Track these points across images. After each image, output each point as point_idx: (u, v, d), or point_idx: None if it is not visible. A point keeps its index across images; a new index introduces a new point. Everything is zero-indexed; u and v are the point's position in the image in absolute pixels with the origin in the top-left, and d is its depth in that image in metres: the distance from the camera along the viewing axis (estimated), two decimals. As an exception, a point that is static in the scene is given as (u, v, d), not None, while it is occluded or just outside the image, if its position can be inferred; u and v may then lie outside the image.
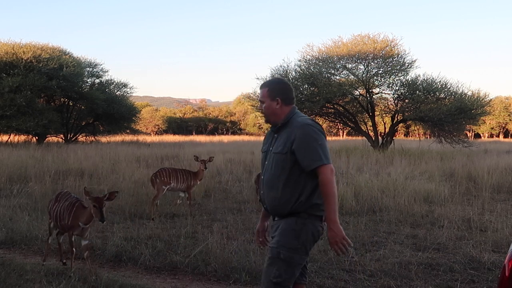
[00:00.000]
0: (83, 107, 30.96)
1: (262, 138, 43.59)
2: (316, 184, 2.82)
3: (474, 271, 4.76)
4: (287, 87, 3.05)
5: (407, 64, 22.65)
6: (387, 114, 23.79)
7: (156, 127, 65.50)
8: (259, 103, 3.09)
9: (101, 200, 4.45)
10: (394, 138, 23.47)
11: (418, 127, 27.25)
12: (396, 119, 22.96)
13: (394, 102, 23.25)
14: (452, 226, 6.54)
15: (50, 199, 5.31)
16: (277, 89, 3.01)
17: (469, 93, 21.95)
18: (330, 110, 24.10)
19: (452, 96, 21.58)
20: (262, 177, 3.02)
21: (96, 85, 31.62)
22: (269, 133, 3.12)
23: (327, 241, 5.72)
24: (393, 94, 22.99)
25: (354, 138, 38.41)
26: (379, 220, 7.18)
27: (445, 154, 18.10)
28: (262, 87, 3.07)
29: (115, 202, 8.33)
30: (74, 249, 4.74)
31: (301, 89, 22.23)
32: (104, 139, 31.17)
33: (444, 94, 21.89)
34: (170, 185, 7.94)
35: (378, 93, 23.44)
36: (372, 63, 22.56)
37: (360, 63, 22.75)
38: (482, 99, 22.23)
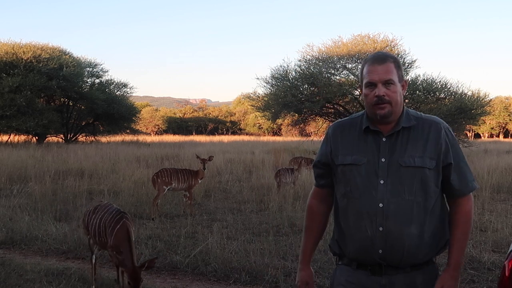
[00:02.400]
0: (83, 107, 30.97)
1: (262, 138, 43.58)
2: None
3: (474, 271, 4.76)
4: None
5: (407, 64, 22.66)
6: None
7: (156, 127, 65.49)
8: (375, 85, 1.96)
9: (137, 275, 3.63)
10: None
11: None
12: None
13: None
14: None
15: (86, 210, 4.61)
16: (401, 67, 2.04)
17: (469, 93, 21.96)
18: (330, 110, 24.09)
19: (452, 96, 21.58)
20: (380, 204, 1.93)
21: (96, 85, 31.62)
22: (354, 134, 2.06)
23: (327, 241, 5.75)
24: (393, 94, 22.99)
25: (354, 138, 38.15)
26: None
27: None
28: (381, 60, 1.98)
29: (115, 202, 8.36)
30: (120, 269, 4.17)
31: (301, 89, 22.21)
32: (104, 139, 31.17)
33: (444, 94, 21.89)
34: (171, 185, 7.96)
35: (378, 93, 23.44)
36: (372, 63, 22.53)
37: (360, 63, 22.72)
38: (482, 99, 22.23)
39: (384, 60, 1.98)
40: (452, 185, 1.99)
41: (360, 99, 23.13)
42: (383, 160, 1.96)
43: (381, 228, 1.94)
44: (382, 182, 1.95)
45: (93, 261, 4.43)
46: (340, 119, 2.24)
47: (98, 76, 32.50)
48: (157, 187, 7.96)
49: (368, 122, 2.04)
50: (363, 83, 2.01)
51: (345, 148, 2.06)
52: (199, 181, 8.36)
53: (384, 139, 1.99)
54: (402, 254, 1.94)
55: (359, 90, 23.37)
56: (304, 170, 11.35)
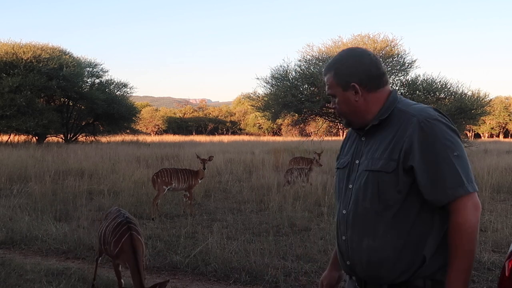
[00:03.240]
0: (83, 107, 30.98)
1: (262, 138, 43.59)
2: (446, 228, 1.68)
3: (474, 271, 4.76)
4: (368, 61, 1.81)
5: (407, 64, 22.66)
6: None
7: (156, 127, 65.50)
8: (331, 98, 1.89)
9: None
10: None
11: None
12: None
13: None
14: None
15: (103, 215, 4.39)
16: (349, 71, 1.80)
17: (469, 93, 21.96)
18: (330, 110, 24.05)
19: (452, 96, 21.59)
20: (344, 211, 1.82)
21: (96, 85, 31.63)
22: (351, 133, 1.98)
23: (327, 241, 5.77)
24: (393, 94, 23.00)
25: (354, 138, 38.16)
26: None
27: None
28: (326, 72, 1.88)
29: (115, 202, 8.37)
30: (122, 280, 3.94)
31: (301, 89, 22.22)
32: (104, 139, 31.18)
33: (444, 94, 21.89)
34: (171, 185, 7.96)
35: (378, 93, 23.45)
36: (372, 63, 22.54)
37: (360, 63, 22.73)
38: (482, 99, 22.23)
39: (325, 74, 1.88)
40: (423, 193, 1.65)
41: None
42: (356, 162, 1.81)
43: (343, 237, 1.81)
44: (350, 186, 1.80)
45: (97, 262, 4.33)
46: None
47: (98, 76, 32.52)
48: (157, 187, 7.95)
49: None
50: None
51: (345, 151, 1.97)
52: (199, 181, 8.36)
53: (363, 139, 1.83)
54: (365, 268, 1.74)
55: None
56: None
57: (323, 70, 1.90)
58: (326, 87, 1.86)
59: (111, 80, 32.86)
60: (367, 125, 1.81)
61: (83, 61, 31.50)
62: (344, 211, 1.81)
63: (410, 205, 1.68)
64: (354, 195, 1.77)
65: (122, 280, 3.92)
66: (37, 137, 28.00)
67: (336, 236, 1.88)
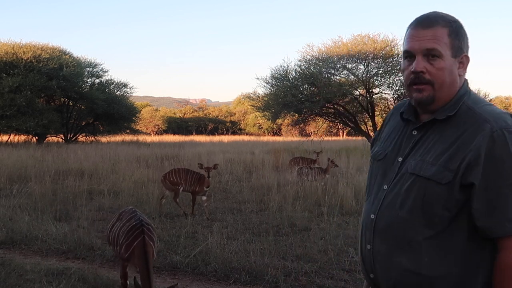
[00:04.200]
0: (83, 107, 30.97)
1: (262, 138, 43.57)
2: (491, 263, 1.41)
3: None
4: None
5: (407, 64, 22.67)
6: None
7: (156, 127, 65.47)
8: (412, 59, 1.47)
9: None
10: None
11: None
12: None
13: (394, 102, 23.26)
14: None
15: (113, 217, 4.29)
16: (465, 39, 1.49)
17: (469, 93, 21.96)
18: (330, 110, 24.09)
19: (452, 96, 21.60)
20: (372, 215, 1.55)
21: (96, 85, 31.62)
22: (393, 118, 1.68)
23: (327, 241, 5.76)
24: (393, 94, 22.99)
25: (354, 138, 38.43)
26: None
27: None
28: (428, 22, 1.46)
29: (115, 202, 8.37)
30: (128, 282, 3.84)
31: (301, 89, 22.22)
32: (104, 139, 31.18)
33: (444, 94, 21.91)
34: (179, 186, 7.94)
35: (378, 93, 23.46)
36: (372, 63, 22.56)
37: (360, 63, 22.74)
38: (482, 99, 22.25)
39: (432, 23, 1.43)
40: (474, 217, 1.37)
41: (360, 99, 23.19)
42: (399, 159, 1.52)
43: (368, 246, 1.55)
44: (385, 187, 1.52)
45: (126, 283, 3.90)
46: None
47: (98, 76, 32.51)
48: (165, 187, 8.06)
49: (408, 107, 1.59)
50: (402, 52, 1.56)
51: (381, 136, 1.70)
52: (205, 189, 7.88)
53: (414, 132, 1.52)
54: (391, 287, 1.48)
55: (359, 90, 23.74)
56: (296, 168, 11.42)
57: (416, 19, 1.50)
58: (425, 38, 1.42)
59: (111, 80, 32.88)
60: (433, 111, 1.47)
61: (83, 61, 31.49)
62: (372, 216, 1.53)
63: (458, 228, 1.40)
64: (390, 199, 1.49)
65: (128, 281, 3.85)
66: (37, 137, 27.98)
67: (360, 242, 1.62)
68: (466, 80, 1.53)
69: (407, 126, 1.57)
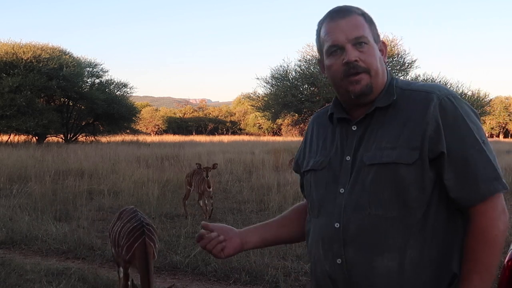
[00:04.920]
0: (83, 107, 31.00)
1: (262, 138, 43.53)
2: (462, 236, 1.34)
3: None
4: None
5: (407, 64, 22.71)
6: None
7: (156, 127, 65.53)
8: (340, 52, 1.37)
9: None
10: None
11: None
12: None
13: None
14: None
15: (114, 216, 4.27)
16: (374, 23, 1.46)
17: (469, 93, 22.04)
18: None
19: (452, 96, 21.62)
20: (336, 224, 1.36)
21: (96, 85, 31.66)
22: (319, 126, 1.56)
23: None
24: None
25: (354, 138, 38.23)
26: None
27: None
28: (345, 12, 1.40)
29: (115, 202, 8.37)
30: (129, 283, 3.71)
31: (301, 89, 22.26)
32: (104, 139, 31.19)
33: (444, 94, 21.93)
34: (191, 186, 7.94)
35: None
36: (372, 63, 22.59)
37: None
38: (482, 99, 22.33)
39: (349, 12, 1.39)
40: (448, 188, 1.30)
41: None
42: (347, 158, 1.38)
43: (339, 260, 1.34)
44: (342, 191, 1.36)
45: (120, 276, 3.99)
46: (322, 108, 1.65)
47: (98, 76, 32.56)
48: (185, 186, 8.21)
49: (335, 107, 1.47)
50: (324, 51, 1.41)
51: (312, 148, 1.53)
52: (209, 191, 7.62)
53: (354, 128, 1.40)
54: None
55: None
56: None
57: (329, 13, 1.43)
58: (349, 28, 1.36)
59: (111, 80, 32.94)
60: (370, 101, 1.39)
61: (83, 61, 31.54)
62: (337, 224, 1.34)
63: (437, 207, 1.31)
64: (355, 200, 1.33)
65: (129, 282, 3.78)
66: (37, 137, 28.00)
67: (319, 260, 1.40)
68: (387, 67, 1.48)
69: (340, 127, 1.45)
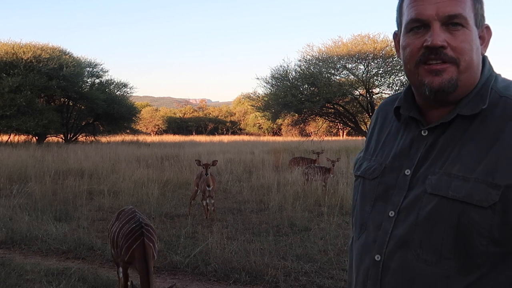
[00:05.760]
0: (83, 107, 30.98)
1: (262, 138, 43.56)
2: None
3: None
4: None
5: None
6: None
7: (156, 127, 65.49)
8: (424, 30, 1.03)
9: None
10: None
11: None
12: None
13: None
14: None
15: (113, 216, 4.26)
16: (483, 7, 1.10)
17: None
18: (330, 110, 24.11)
19: (452, 96, 21.60)
20: (377, 256, 1.09)
21: (96, 85, 31.63)
22: (388, 122, 1.22)
23: (327, 241, 5.77)
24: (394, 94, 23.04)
25: (354, 138, 38.44)
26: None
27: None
28: None
29: (115, 202, 8.37)
30: (128, 283, 3.73)
31: (301, 89, 22.24)
32: (104, 139, 31.18)
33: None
34: (197, 187, 7.88)
35: (378, 93, 23.47)
36: (372, 63, 22.58)
37: (360, 63, 22.77)
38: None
39: None
40: None
41: (360, 99, 23.20)
42: (406, 172, 1.07)
43: None
44: (391, 214, 1.06)
45: (120, 275, 3.99)
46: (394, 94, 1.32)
47: (98, 76, 32.52)
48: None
49: (405, 100, 1.14)
50: (403, 24, 1.08)
51: (370, 147, 1.24)
52: (208, 189, 7.45)
53: (424, 133, 1.08)
54: None
55: (359, 90, 23.85)
56: (298, 169, 11.42)
57: None
58: (444, 1, 1.01)
59: (111, 80, 32.90)
60: (451, 103, 1.05)
61: (83, 61, 31.51)
62: (377, 257, 1.07)
63: (508, 266, 0.97)
64: (403, 232, 1.03)
65: (129, 283, 3.79)
66: (37, 137, 27.99)
67: None
68: (487, 59, 1.11)
69: (408, 127, 1.12)
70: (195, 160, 8.27)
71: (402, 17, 1.08)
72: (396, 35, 1.16)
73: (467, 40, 1.02)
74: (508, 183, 0.93)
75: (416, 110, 1.11)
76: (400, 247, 1.03)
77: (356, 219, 1.18)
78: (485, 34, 1.09)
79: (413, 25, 1.04)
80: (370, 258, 1.09)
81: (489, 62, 1.10)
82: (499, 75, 1.10)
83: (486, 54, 1.10)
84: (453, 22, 1.01)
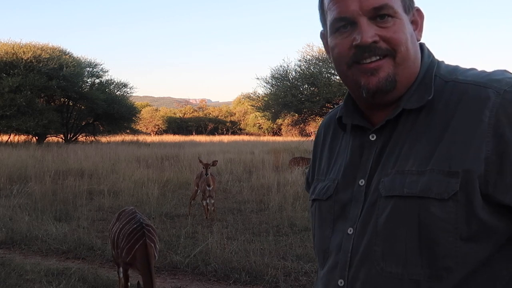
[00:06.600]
0: (83, 107, 30.98)
1: (262, 138, 43.56)
2: None
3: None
4: None
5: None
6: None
7: (156, 127, 65.49)
8: (351, 28, 0.94)
9: None
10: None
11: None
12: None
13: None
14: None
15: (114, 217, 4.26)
16: None
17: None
18: (330, 110, 24.13)
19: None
20: (340, 281, 0.95)
21: (96, 85, 31.64)
22: (334, 137, 1.12)
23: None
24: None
25: (354, 138, 38.31)
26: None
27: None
28: None
29: (115, 202, 8.37)
30: (129, 283, 3.83)
31: (301, 89, 22.26)
32: (104, 139, 31.19)
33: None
34: (198, 187, 7.86)
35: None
36: (372, 63, 22.61)
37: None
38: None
39: None
40: None
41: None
42: (361, 183, 0.97)
43: None
44: (350, 231, 0.95)
45: (120, 275, 3.98)
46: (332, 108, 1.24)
47: (98, 76, 32.52)
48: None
49: (346, 108, 1.05)
50: (328, 25, 0.98)
51: (321, 167, 1.12)
52: (208, 188, 7.40)
53: (372, 137, 0.98)
54: None
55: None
56: (298, 169, 11.40)
57: None
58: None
59: (111, 80, 32.91)
60: (393, 101, 0.96)
61: (83, 61, 31.52)
62: (340, 282, 0.95)
63: (497, 268, 0.86)
64: (363, 248, 0.92)
65: (129, 283, 3.84)
66: (37, 137, 27.99)
67: None
68: (425, 45, 1.02)
69: (353, 136, 1.02)
70: (198, 158, 8.29)
71: (326, 16, 0.99)
72: (323, 35, 1.05)
73: (400, 29, 0.93)
74: (465, 167, 0.83)
75: (360, 115, 1.02)
76: (363, 265, 0.91)
77: (317, 248, 1.05)
78: (417, 17, 1.00)
79: (338, 25, 0.95)
80: (334, 285, 0.96)
81: (427, 49, 1.02)
82: (442, 61, 1.01)
83: (422, 40, 1.01)
84: (380, 15, 0.92)
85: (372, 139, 0.98)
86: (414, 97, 0.94)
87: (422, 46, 1.01)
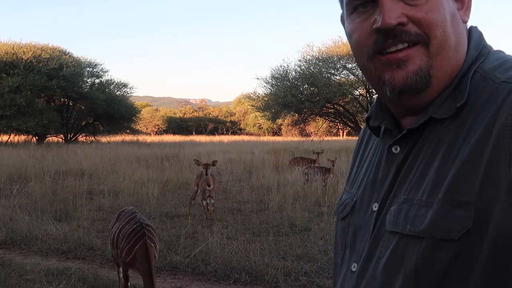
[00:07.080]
0: (83, 107, 31.01)
1: (262, 138, 43.58)
2: None
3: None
4: None
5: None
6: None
7: (156, 127, 65.50)
8: (371, 8, 0.71)
9: None
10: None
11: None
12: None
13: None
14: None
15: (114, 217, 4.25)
16: None
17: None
18: (330, 110, 24.12)
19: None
20: None
21: (96, 85, 31.66)
22: (371, 141, 0.90)
23: (327, 241, 5.77)
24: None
25: (354, 138, 38.44)
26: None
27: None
28: None
29: (115, 202, 8.37)
30: (129, 283, 3.82)
31: (301, 89, 22.27)
32: (104, 139, 31.20)
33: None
34: (198, 187, 7.82)
35: (378, 93, 23.50)
36: (372, 63, 22.60)
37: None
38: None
39: None
40: None
41: (360, 99, 23.19)
42: (374, 207, 0.78)
43: None
44: (354, 268, 0.79)
45: (120, 276, 3.97)
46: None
47: (98, 76, 32.56)
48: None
49: (376, 106, 0.85)
50: (344, 4, 0.79)
51: (351, 174, 0.95)
52: (208, 189, 7.40)
53: (395, 149, 0.78)
54: None
55: (359, 90, 23.81)
56: (298, 169, 11.42)
57: None
58: None
59: (111, 80, 32.96)
60: (426, 100, 0.74)
61: (83, 61, 31.55)
62: None
63: None
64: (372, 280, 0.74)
65: (129, 283, 3.84)
66: (37, 137, 28.00)
67: None
68: (474, 30, 0.79)
69: (384, 143, 0.82)
70: (194, 160, 8.22)
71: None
72: (343, 18, 0.83)
73: (435, 7, 0.70)
74: (483, 195, 0.62)
75: (393, 118, 0.80)
76: None
77: (334, 269, 0.89)
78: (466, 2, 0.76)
79: (355, 3, 0.74)
80: None
81: (478, 34, 0.78)
82: (499, 51, 0.77)
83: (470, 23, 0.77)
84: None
85: (395, 151, 0.77)
86: (448, 101, 0.72)
87: (471, 30, 0.79)
